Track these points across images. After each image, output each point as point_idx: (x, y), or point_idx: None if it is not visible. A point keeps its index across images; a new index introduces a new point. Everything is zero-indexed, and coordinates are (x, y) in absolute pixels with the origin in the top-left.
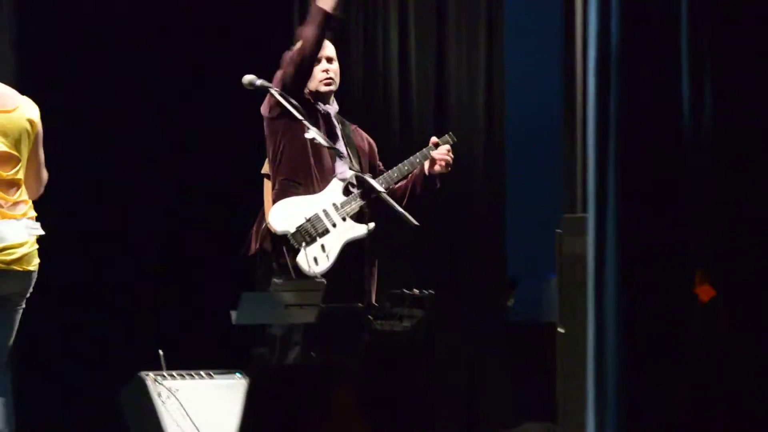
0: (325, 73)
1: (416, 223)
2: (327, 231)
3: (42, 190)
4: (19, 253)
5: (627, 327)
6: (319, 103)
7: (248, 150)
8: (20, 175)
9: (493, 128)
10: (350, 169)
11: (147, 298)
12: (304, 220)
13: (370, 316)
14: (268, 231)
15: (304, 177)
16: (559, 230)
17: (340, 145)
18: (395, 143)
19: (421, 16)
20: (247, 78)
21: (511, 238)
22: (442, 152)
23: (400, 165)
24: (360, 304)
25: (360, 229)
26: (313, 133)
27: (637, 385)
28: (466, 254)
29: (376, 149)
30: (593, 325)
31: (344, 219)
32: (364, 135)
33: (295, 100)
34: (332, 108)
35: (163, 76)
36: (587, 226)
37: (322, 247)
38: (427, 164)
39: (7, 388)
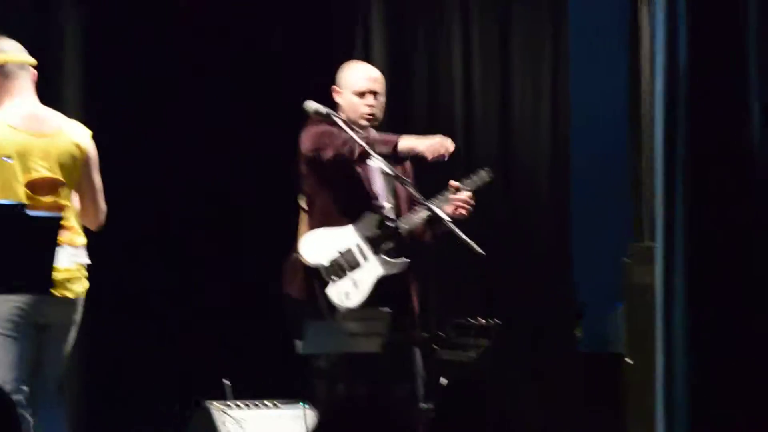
0: (369, 107)
1: (482, 252)
2: (359, 265)
3: (102, 218)
4: (57, 279)
5: (696, 357)
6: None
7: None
8: (64, 201)
9: (558, 155)
10: (418, 200)
11: (213, 327)
12: (337, 254)
13: (435, 346)
14: (302, 267)
15: (344, 210)
16: (626, 259)
17: (377, 176)
18: (459, 169)
19: (485, 40)
20: (312, 106)
21: (578, 267)
22: (462, 198)
23: (406, 216)
24: (425, 334)
25: (393, 265)
26: (379, 162)
27: (707, 415)
28: (533, 283)
29: (413, 176)
30: (662, 356)
31: (377, 254)
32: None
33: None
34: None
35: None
36: (655, 255)
37: (354, 281)
38: (447, 207)
39: (61, 417)
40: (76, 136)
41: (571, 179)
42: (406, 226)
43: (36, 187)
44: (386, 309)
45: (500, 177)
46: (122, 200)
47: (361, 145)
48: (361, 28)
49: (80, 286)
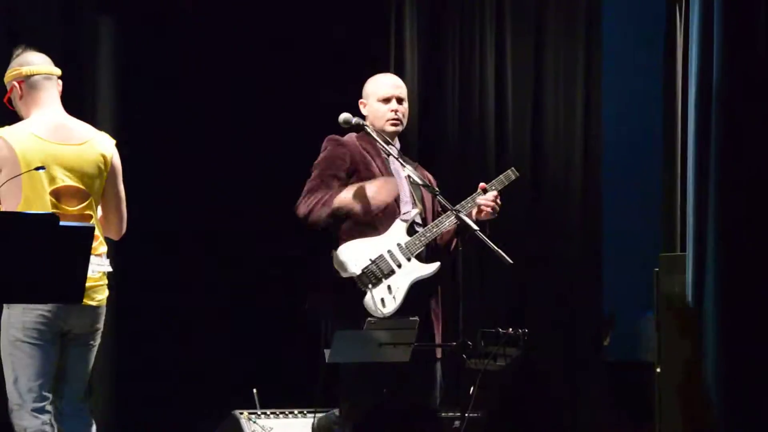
0: (393, 113)
1: (510, 261)
2: (393, 272)
3: (124, 227)
4: None
5: (726, 366)
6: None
7: None
8: (89, 211)
9: (589, 165)
10: (448, 208)
11: (241, 336)
12: (369, 262)
13: (464, 355)
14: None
15: (371, 221)
16: (657, 269)
17: (404, 184)
18: (490, 180)
19: (518, 54)
20: (343, 116)
21: (608, 276)
22: (488, 198)
23: (437, 220)
24: (454, 343)
25: (426, 269)
26: (408, 170)
27: (737, 423)
28: (562, 292)
29: (436, 186)
30: (692, 365)
31: (409, 259)
32: (426, 173)
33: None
34: (394, 148)
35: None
36: (686, 264)
37: (389, 288)
38: (474, 211)
39: (87, 426)
40: (101, 146)
41: (603, 189)
42: (433, 230)
43: (60, 195)
44: (415, 318)
45: (532, 187)
46: (160, 210)
47: (387, 142)
48: (393, 40)
49: (102, 294)
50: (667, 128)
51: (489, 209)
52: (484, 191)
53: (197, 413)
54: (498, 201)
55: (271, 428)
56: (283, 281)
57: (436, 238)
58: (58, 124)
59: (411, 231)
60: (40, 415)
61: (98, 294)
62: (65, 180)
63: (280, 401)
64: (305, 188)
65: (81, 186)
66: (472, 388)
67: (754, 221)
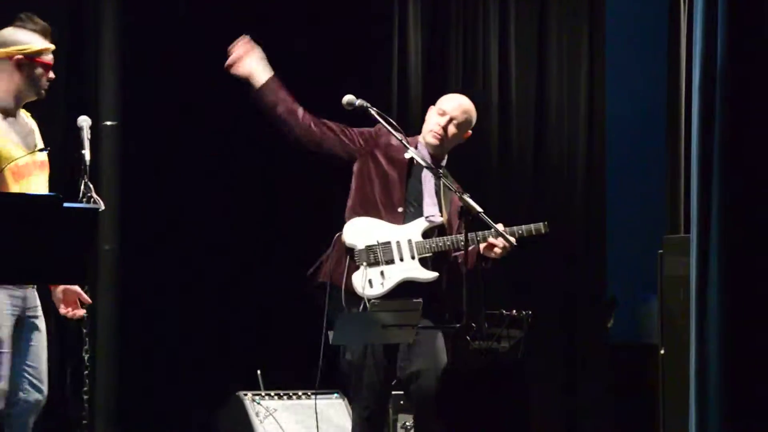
0: (438, 125)
1: (514, 241)
2: (392, 261)
3: None
4: None
5: (730, 348)
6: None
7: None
8: None
9: (594, 147)
10: (461, 198)
11: (244, 318)
12: (375, 242)
13: (467, 337)
14: (336, 262)
15: (371, 209)
16: (661, 251)
17: (430, 187)
18: (493, 161)
19: (521, 34)
20: (347, 98)
21: (612, 258)
22: (504, 244)
23: (453, 236)
24: (457, 325)
25: (423, 274)
26: (411, 152)
27: (741, 406)
28: (566, 274)
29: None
30: (695, 347)
31: (413, 257)
32: (455, 199)
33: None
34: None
35: None
36: (690, 246)
37: (382, 273)
38: (482, 246)
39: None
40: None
41: (607, 171)
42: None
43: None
44: (419, 300)
45: (535, 169)
46: (162, 193)
47: (394, 126)
48: (397, 23)
49: None
50: (671, 109)
51: (501, 251)
52: (500, 236)
53: (201, 395)
54: (507, 250)
55: (275, 409)
56: (287, 262)
57: (447, 250)
58: None
59: (426, 234)
60: None
61: None
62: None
63: (283, 383)
64: None
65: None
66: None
67: (757, 202)
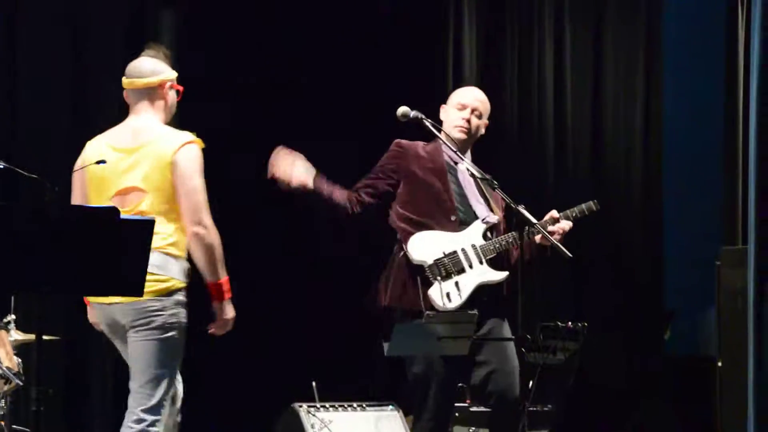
0: (464, 120)
1: (570, 255)
2: (463, 270)
3: (199, 230)
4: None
5: None
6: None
7: None
8: (148, 210)
9: (650, 159)
10: (513, 207)
11: (301, 330)
12: (442, 255)
13: (523, 349)
14: (402, 285)
15: (427, 216)
16: (718, 262)
17: (471, 189)
18: (550, 169)
19: (577, 50)
20: (401, 110)
21: (669, 270)
22: (563, 227)
23: (513, 233)
24: (513, 337)
25: (495, 275)
26: (466, 164)
27: None
28: (622, 286)
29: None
30: (753, 359)
31: (481, 262)
32: (496, 195)
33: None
34: (451, 142)
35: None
36: (747, 258)
37: (457, 284)
38: (538, 237)
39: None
40: (165, 145)
41: (664, 182)
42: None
43: (121, 196)
44: (474, 311)
45: (592, 180)
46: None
47: (448, 137)
48: (452, 36)
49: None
50: (729, 119)
51: (558, 236)
52: (555, 221)
53: (257, 407)
54: (563, 233)
55: (331, 421)
56: (344, 276)
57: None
58: (128, 126)
59: (486, 236)
60: None
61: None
62: (126, 182)
63: (340, 394)
64: None
65: (139, 187)
66: (531, 382)
67: None
